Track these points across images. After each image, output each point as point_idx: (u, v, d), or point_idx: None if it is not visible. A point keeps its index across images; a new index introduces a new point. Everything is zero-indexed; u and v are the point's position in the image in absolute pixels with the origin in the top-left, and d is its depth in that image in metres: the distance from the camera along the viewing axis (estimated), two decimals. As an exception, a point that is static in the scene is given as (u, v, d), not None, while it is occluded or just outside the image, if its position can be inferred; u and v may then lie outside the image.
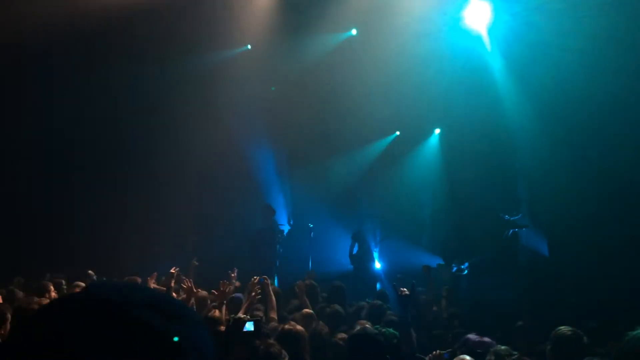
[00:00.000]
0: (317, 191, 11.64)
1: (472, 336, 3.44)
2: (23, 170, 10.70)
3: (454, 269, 9.98)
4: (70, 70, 10.34)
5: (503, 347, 3.37)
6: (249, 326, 3.76)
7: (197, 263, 7.68)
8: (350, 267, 10.87)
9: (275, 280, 9.96)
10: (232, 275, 6.71)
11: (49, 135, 10.75)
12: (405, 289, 4.64)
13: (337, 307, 5.67)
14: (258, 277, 5.73)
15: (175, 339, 0.71)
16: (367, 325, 4.61)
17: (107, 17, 9.49)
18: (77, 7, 9.26)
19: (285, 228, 11.77)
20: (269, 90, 11.77)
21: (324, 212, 11.53)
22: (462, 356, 3.42)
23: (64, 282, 7.12)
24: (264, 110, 11.70)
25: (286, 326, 4.33)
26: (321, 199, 11.62)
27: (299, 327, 4.33)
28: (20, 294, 5.87)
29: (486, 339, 3.35)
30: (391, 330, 4.30)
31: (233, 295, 5.91)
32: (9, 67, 9.90)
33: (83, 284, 6.45)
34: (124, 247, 9.92)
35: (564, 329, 4.04)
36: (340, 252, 11.36)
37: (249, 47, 11.80)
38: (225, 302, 5.43)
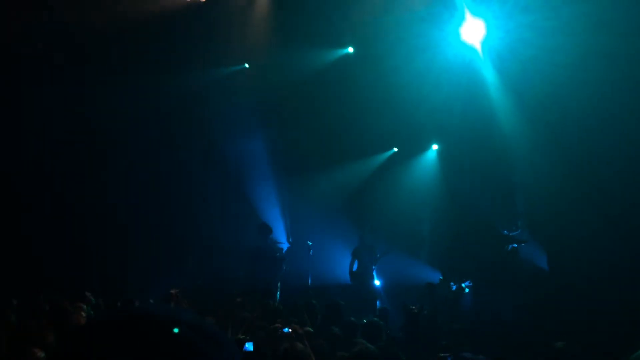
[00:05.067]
0: (315, 207, 11.64)
1: (466, 354, 3.41)
2: (15, 180, 10.58)
3: (454, 287, 9.94)
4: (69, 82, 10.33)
5: None
6: (249, 346, 3.74)
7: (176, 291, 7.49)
8: (350, 283, 10.83)
9: (277, 296, 9.94)
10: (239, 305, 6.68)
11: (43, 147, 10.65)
12: (414, 307, 4.69)
13: (335, 328, 5.64)
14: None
15: None
16: (365, 345, 4.58)
17: (110, 30, 9.61)
18: (82, 19, 9.39)
19: (284, 246, 11.74)
20: (267, 107, 11.81)
21: (323, 228, 11.52)
22: None
23: (66, 303, 7.03)
24: (262, 127, 11.75)
25: (293, 346, 4.30)
26: (320, 215, 11.62)
27: (307, 349, 4.31)
28: (13, 317, 5.80)
29: (481, 357, 3.33)
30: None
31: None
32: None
33: (84, 305, 6.40)
34: (120, 266, 9.87)
35: (559, 343, 4.05)
36: (339, 268, 11.33)
37: (247, 65, 11.92)
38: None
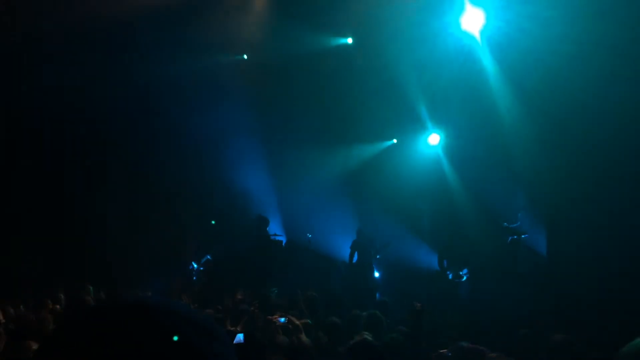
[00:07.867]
0: (315, 199, 11.63)
1: (464, 344, 3.42)
2: (15, 178, 10.55)
3: (450, 276, 9.95)
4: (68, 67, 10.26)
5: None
6: (240, 337, 3.75)
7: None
8: (349, 274, 10.84)
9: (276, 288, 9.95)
10: (238, 297, 6.70)
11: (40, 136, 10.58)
12: (419, 303, 4.69)
13: (335, 318, 5.64)
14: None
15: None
16: (366, 336, 4.58)
17: (113, 19, 9.60)
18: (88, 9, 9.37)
19: (283, 238, 11.75)
20: (266, 97, 11.76)
21: (323, 219, 11.51)
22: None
23: (62, 296, 7.06)
24: (261, 117, 11.71)
25: (294, 340, 4.31)
26: (319, 207, 11.61)
27: (305, 340, 4.32)
28: (11, 310, 5.81)
29: (479, 346, 3.32)
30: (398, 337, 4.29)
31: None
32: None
33: (85, 297, 6.42)
34: (118, 259, 9.88)
35: (557, 336, 4.04)
36: (339, 257, 11.36)
37: (245, 57, 11.86)
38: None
